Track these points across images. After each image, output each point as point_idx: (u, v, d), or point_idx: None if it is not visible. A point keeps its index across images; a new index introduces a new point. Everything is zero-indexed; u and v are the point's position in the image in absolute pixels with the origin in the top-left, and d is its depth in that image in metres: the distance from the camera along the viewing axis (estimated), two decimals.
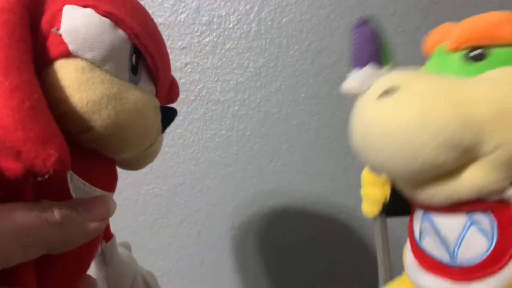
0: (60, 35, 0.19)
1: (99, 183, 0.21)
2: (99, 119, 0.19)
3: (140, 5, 0.23)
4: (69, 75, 0.18)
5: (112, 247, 0.28)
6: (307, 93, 0.51)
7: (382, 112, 0.21)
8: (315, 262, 0.54)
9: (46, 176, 0.16)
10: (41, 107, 0.17)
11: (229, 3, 0.50)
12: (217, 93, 0.51)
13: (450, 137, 0.20)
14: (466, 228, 0.22)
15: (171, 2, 0.50)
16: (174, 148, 0.51)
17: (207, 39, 0.50)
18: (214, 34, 0.50)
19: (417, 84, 0.21)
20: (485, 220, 0.22)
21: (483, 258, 0.21)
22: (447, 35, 0.25)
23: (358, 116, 0.23)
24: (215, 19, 0.50)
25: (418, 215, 0.25)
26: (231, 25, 0.50)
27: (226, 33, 0.50)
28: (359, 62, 0.27)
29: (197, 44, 0.50)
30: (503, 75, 0.21)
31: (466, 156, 0.20)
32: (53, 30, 0.19)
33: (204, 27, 0.50)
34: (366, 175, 0.31)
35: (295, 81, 0.51)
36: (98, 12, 0.19)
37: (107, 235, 0.28)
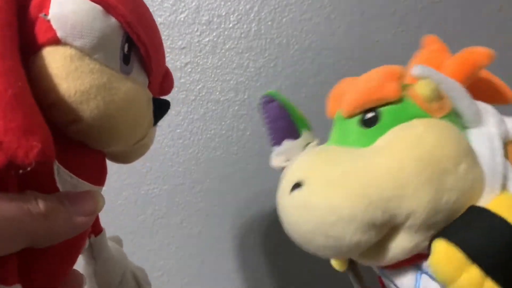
0: (49, 21, 0.18)
1: (87, 176, 0.21)
2: (87, 110, 0.18)
3: None
4: (57, 63, 0.18)
5: (101, 242, 0.27)
6: (307, 93, 0.51)
7: (295, 209, 0.23)
8: (315, 262, 0.54)
9: (29, 169, 0.15)
10: (24, 96, 0.16)
11: (229, 3, 0.50)
12: (217, 93, 0.51)
13: (362, 221, 0.21)
14: (418, 278, 0.23)
15: (171, 2, 0.50)
16: (174, 148, 0.51)
17: (207, 39, 0.50)
18: (214, 34, 0.50)
19: (318, 176, 0.23)
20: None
21: None
22: (341, 100, 0.27)
23: (281, 213, 0.26)
24: (215, 19, 0.50)
25: (377, 272, 0.27)
26: (231, 25, 0.50)
27: (226, 33, 0.50)
28: (277, 140, 0.29)
29: (197, 44, 0.50)
30: (394, 139, 0.22)
31: (386, 229, 0.21)
32: (41, 15, 0.18)
33: (204, 27, 0.50)
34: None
35: (295, 81, 0.51)
36: None
37: (97, 229, 0.27)
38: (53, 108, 0.18)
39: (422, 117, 0.23)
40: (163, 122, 0.51)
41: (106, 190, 0.57)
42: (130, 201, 0.51)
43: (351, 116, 0.25)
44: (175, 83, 0.50)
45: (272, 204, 0.53)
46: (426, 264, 0.22)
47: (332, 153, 0.25)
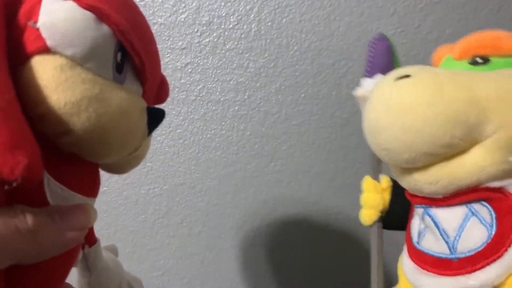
0: (38, 29, 0.17)
1: (79, 188, 0.20)
2: (78, 122, 0.18)
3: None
4: (47, 74, 0.17)
5: (96, 253, 0.26)
6: (307, 93, 0.51)
7: (396, 89, 0.23)
8: (315, 261, 0.54)
9: (14, 185, 0.14)
10: (11, 110, 0.15)
11: (229, 4, 0.50)
12: (217, 93, 0.51)
13: (458, 113, 0.21)
14: (466, 219, 0.23)
15: (171, 3, 0.50)
16: (174, 148, 0.51)
17: (207, 40, 0.50)
18: (214, 35, 0.50)
19: (430, 70, 0.23)
20: (484, 211, 0.23)
21: (483, 246, 0.22)
22: (452, 49, 0.27)
23: (373, 97, 0.24)
24: (215, 20, 0.50)
25: (418, 214, 0.26)
26: (231, 26, 0.50)
27: (226, 33, 0.50)
28: (371, 72, 0.29)
29: (197, 45, 0.50)
30: (506, 71, 0.23)
31: (471, 135, 0.21)
32: (30, 23, 0.17)
33: (204, 28, 0.50)
34: (367, 181, 0.32)
35: (295, 81, 0.51)
36: (80, 6, 0.18)
37: (91, 240, 0.26)
38: (43, 120, 0.17)
39: None
40: (163, 122, 0.51)
41: (106, 190, 0.57)
42: (130, 201, 0.51)
43: (461, 58, 0.25)
44: (176, 84, 0.51)
45: (272, 204, 0.53)
46: (479, 207, 0.23)
47: (439, 68, 0.26)
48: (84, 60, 0.18)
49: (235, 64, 0.50)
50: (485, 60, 0.24)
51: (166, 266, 0.53)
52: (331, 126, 0.51)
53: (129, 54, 0.20)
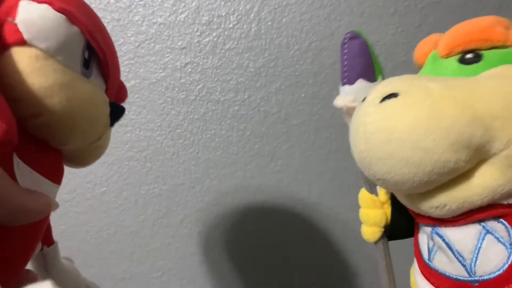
0: (16, 25, 0.19)
1: (46, 172, 0.22)
2: (50, 105, 0.20)
3: (91, 9, 0.25)
4: (23, 62, 0.19)
5: (54, 253, 0.27)
6: (307, 93, 0.51)
7: (385, 116, 0.20)
8: (315, 262, 0.54)
9: None
10: None
11: (229, 3, 0.50)
12: (217, 93, 0.51)
13: (460, 137, 0.19)
14: (481, 238, 0.21)
15: (171, 2, 0.50)
16: (174, 148, 0.51)
17: (207, 39, 0.50)
18: (214, 34, 0.50)
19: (421, 86, 0.20)
20: (501, 228, 0.20)
21: (504, 268, 0.20)
22: (437, 43, 0.24)
23: (359, 124, 0.22)
24: (215, 19, 0.50)
25: (425, 232, 0.24)
26: (231, 25, 0.50)
27: (226, 33, 0.50)
28: (350, 78, 0.26)
29: (197, 44, 0.50)
30: (505, 71, 0.20)
31: (478, 155, 0.19)
32: (9, 19, 0.20)
33: (204, 27, 0.50)
34: (363, 195, 0.30)
35: (295, 81, 0.51)
36: (53, 8, 0.20)
37: (49, 241, 0.27)
38: (18, 102, 0.19)
39: None
40: (163, 122, 0.51)
41: (106, 190, 0.57)
42: (130, 201, 0.51)
43: (449, 55, 0.23)
44: (175, 83, 0.51)
45: (272, 204, 0.53)
46: (494, 225, 0.20)
47: (429, 76, 0.23)
48: (56, 53, 0.20)
49: (235, 64, 0.50)
50: (476, 55, 0.22)
51: (166, 266, 0.53)
52: (331, 126, 0.51)
53: (95, 53, 0.23)
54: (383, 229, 0.28)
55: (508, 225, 0.20)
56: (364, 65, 0.26)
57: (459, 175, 0.20)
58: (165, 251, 0.52)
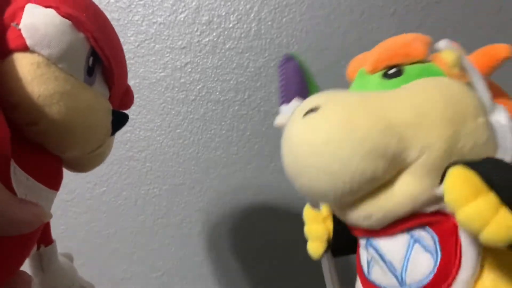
0: (19, 30, 0.19)
1: (43, 179, 0.22)
2: (49, 113, 0.19)
3: (101, 11, 0.24)
4: (24, 68, 0.19)
5: (51, 253, 0.27)
6: None
7: (305, 128, 0.21)
8: (315, 262, 0.54)
9: None
10: None
11: (229, 3, 0.50)
12: (217, 93, 0.51)
13: (375, 146, 0.19)
14: (410, 247, 0.21)
15: (171, 2, 0.50)
16: (174, 148, 0.51)
17: (207, 39, 0.50)
18: (214, 34, 0.50)
19: (338, 99, 0.22)
20: (426, 236, 0.21)
21: (431, 277, 0.20)
22: (365, 61, 0.26)
23: (285, 137, 0.23)
24: (215, 19, 0.50)
25: (362, 245, 0.25)
26: (231, 25, 0.50)
27: (226, 32, 0.50)
28: (287, 98, 0.28)
29: (197, 44, 0.50)
30: (420, 84, 0.21)
31: (395, 165, 0.20)
32: (13, 24, 0.19)
33: (204, 27, 0.50)
34: (307, 212, 0.31)
35: None
36: (59, 13, 0.20)
37: (47, 240, 0.27)
38: (16, 109, 0.19)
39: None
40: (163, 122, 0.51)
41: (106, 190, 0.57)
42: (130, 201, 0.51)
43: (374, 70, 0.24)
44: (175, 83, 0.50)
45: (273, 204, 0.53)
46: (420, 233, 0.21)
47: (350, 91, 0.25)
48: (58, 60, 0.20)
49: (235, 64, 0.50)
50: (398, 70, 0.23)
51: (166, 266, 0.53)
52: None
53: (100, 60, 0.23)
54: (325, 244, 0.29)
55: (433, 233, 0.21)
56: (298, 84, 0.28)
57: (382, 185, 0.20)
58: (165, 251, 0.52)
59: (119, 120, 0.25)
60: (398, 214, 0.21)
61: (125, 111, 0.26)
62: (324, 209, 0.30)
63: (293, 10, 0.50)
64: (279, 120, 0.28)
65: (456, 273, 0.20)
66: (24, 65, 0.19)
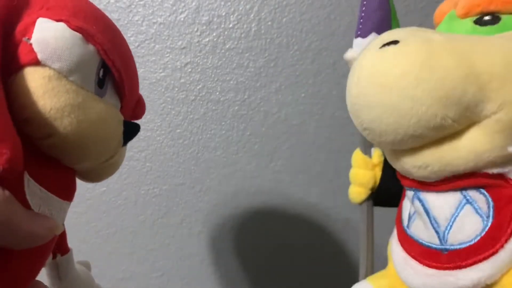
0: (31, 44, 0.19)
1: (56, 191, 0.22)
2: (60, 126, 0.20)
3: (112, 23, 0.24)
4: (35, 82, 0.19)
5: (68, 262, 0.27)
6: (307, 93, 0.51)
7: (380, 60, 0.19)
8: (315, 262, 0.54)
9: None
10: None
11: (229, 3, 0.50)
12: (217, 93, 0.51)
13: (452, 91, 0.18)
14: (460, 207, 0.20)
15: (171, 2, 0.50)
16: (174, 148, 0.51)
17: (207, 39, 0.50)
18: (214, 34, 0.50)
19: (422, 35, 0.19)
20: (481, 199, 0.20)
21: (476, 240, 0.19)
22: (456, 4, 0.23)
23: (355, 67, 0.21)
24: (215, 19, 0.50)
25: (408, 197, 0.24)
26: (231, 25, 0.50)
27: (226, 33, 0.50)
28: (364, 31, 0.26)
29: (197, 44, 0.50)
30: None
31: (468, 116, 0.18)
32: (24, 39, 0.19)
33: (204, 27, 0.50)
34: (357, 155, 0.29)
35: (295, 81, 0.51)
36: (70, 27, 0.20)
37: (64, 249, 0.27)
38: (29, 123, 0.19)
39: None
40: (163, 122, 0.51)
41: (106, 190, 0.57)
42: (130, 201, 0.51)
43: (467, 15, 0.21)
44: (175, 83, 0.51)
45: (272, 204, 0.53)
46: (475, 195, 0.20)
47: (436, 31, 0.22)
48: (69, 73, 0.20)
49: (235, 64, 0.50)
50: (494, 18, 0.21)
51: (166, 266, 0.53)
52: (331, 126, 0.51)
53: (111, 72, 0.23)
54: (369, 192, 0.28)
55: (489, 197, 0.20)
56: (380, 19, 0.25)
57: (445, 136, 0.19)
58: (165, 251, 0.52)
59: (130, 131, 0.25)
60: (457, 170, 0.19)
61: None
62: (376, 156, 0.28)
63: (293, 10, 0.50)
64: (349, 54, 0.25)
65: (506, 241, 0.19)
66: (36, 79, 0.19)
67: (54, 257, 0.26)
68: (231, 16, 0.50)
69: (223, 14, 0.50)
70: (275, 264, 0.54)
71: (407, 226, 0.23)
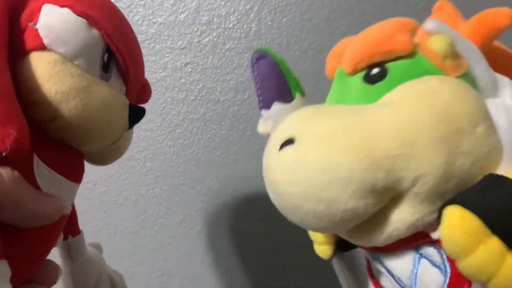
0: (37, 30, 0.20)
1: (65, 172, 0.22)
2: (66, 109, 0.20)
3: (118, 9, 0.24)
4: (41, 67, 0.20)
5: (79, 243, 0.29)
6: (307, 93, 0.51)
7: (283, 169, 0.19)
8: (315, 261, 0.54)
9: (3, 154, 0.17)
10: (6, 91, 0.18)
11: (229, 3, 0.50)
12: (217, 93, 0.51)
13: (362, 183, 0.17)
14: (416, 262, 0.20)
15: (171, 2, 0.50)
16: (174, 148, 0.51)
17: (207, 39, 0.50)
18: (214, 34, 0.50)
19: (314, 131, 0.19)
20: (434, 252, 0.20)
21: None
22: (341, 57, 0.23)
23: (265, 172, 0.21)
24: (215, 19, 0.50)
25: (370, 257, 0.24)
26: (231, 25, 0.50)
27: (226, 33, 0.50)
28: (266, 102, 0.25)
29: (197, 44, 0.50)
30: (404, 96, 0.19)
31: (387, 195, 0.18)
32: (30, 24, 0.20)
33: (204, 27, 0.50)
34: None
35: None
36: (74, 12, 0.21)
37: (75, 231, 0.28)
38: (35, 106, 0.20)
39: (435, 75, 0.20)
40: (163, 122, 0.51)
41: (106, 190, 0.57)
42: (130, 201, 0.51)
43: (354, 71, 0.22)
44: (175, 83, 0.50)
45: (272, 204, 0.53)
46: (427, 249, 0.20)
47: (329, 109, 0.21)
48: (74, 57, 0.21)
49: (235, 64, 0.50)
50: (382, 70, 0.21)
51: (166, 266, 0.53)
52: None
53: (115, 56, 0.23)
54: (334, 246, 0.28)
55: (440, 250, 0.19)
56: (276, 86, 0.25)
57: (378, 212, 0.19)
58: (165, 251, 0.52)
59: (136, 114, 0.26)
60: (400, 236, 0.19)
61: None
62: None
63: (293, 10, 0.50)
64: (261, 127, 0.26)
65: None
66: (42, 64, 0.20)
67: (65, 237, 0.27)
68: (231, 16, 0.50)
69: (223, 14, 0.50)
70: (275, 264, 0.54)
71: (378, 280, 0.23)
